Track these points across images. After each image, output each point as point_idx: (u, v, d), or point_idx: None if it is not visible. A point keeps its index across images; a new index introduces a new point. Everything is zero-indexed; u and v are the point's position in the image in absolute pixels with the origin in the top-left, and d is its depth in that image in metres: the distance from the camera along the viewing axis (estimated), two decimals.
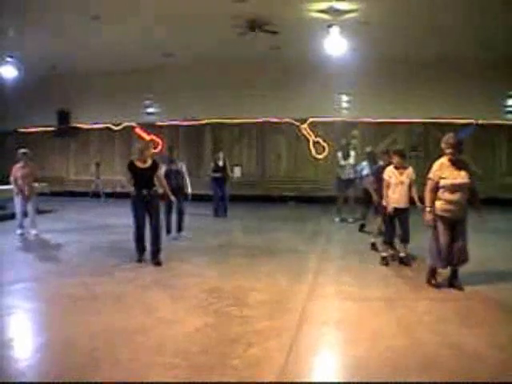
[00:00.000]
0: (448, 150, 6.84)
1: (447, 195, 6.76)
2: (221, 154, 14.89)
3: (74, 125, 21.28)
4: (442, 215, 6.81)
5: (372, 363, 4.63)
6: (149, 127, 20.43)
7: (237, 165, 19.00)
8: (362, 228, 11.87)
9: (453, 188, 6.72)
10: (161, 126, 20.26)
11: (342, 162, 13.45)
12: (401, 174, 8.40)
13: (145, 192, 8.45)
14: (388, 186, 8.42)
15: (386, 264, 8.52)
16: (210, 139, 19.82)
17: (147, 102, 20.46)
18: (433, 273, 7.19)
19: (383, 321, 5.82)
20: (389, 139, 17.54)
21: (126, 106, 20.09)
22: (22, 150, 11.52)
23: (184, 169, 11.21)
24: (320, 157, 18.95)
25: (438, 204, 6.83)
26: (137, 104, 20.32)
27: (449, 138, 6.85)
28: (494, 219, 11.67)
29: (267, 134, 19.41)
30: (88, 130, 21.25)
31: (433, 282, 7.17)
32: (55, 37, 14.30)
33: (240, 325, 5.64)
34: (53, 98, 20.32)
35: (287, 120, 19.05)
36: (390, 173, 8.47)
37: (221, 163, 14.71)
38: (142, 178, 8.49)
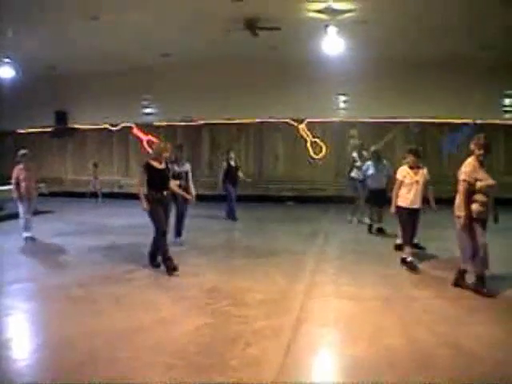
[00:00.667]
0: (478, 151, 6.72)
1: (482, 196, 6.65)
2: (232, 154, 14.35)
3: (72, 125, 21.26)
4: (478, 217, 6.68)
5: (370, 363, 4.65)
6: (146, 128, 20.44)
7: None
8: (380, 231, 11.67)
9: (487, 190, 6.64)
10: (158, 127, 20.25)
11: (358, 163, 13.07)
12: (415, 173, 8.29)
13: (165, 193, 8.19)
14: (400, 186, 8.31)
15: (414, 268, 8.13)
16: (208, 139, 19.82)
17: (145, 103, 20.46)
18: (462, 275, 7.01)
19: (381, 320, 5.83)
20: (386, 138, 17.56)
21: (124, 106, 20.08)
22: (23, 151, 11.41)
23: (189, 169, 10.81)
24: (318, 157, 18.95)
25: (475, 206, 6.66)
26: (134, 104, 20.31)
27: (479, 138, 6.74)
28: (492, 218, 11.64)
29: (265, 134, 19.40)
30: (86, 130, 21.24)
31: (461, 283, 7.00)
32: (53, 37, 14.30)
33: (238, 325, 5.66)
34: (50, 98, 20.29)
35: (285, 120, 19.05)
36: (404, 172, 8.35)
37: (233, 163, 14.22)
38: (161, 178, 8.20)
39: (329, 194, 18.23)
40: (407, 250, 8.35)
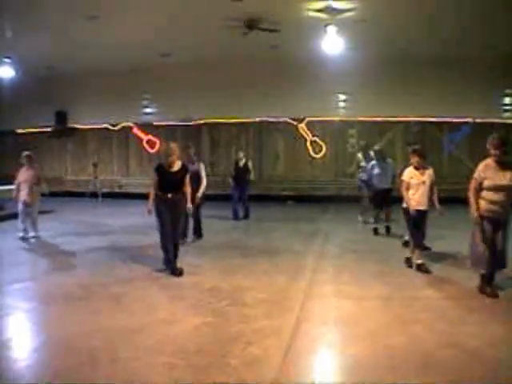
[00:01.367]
0: (493, 151, 6.63)
1: (490, 195, 6.59)
2: (241, 154, 14.48)
3: (72, 125, 21.26)
4: (486, 215, 6.63)
5: (370, 362, 4.65)
6: (146, 127, 20.45)
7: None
8: (388, 231, 11.64)
9: (495, 189, 6.56)
10: (158, 126, 20.25)
11: (363, 163, 13.03)
12: (421, 174, 8.17)
13: (169, 195, 8.05)
14: (407, 188, 8.17)
15: (426, 271, 7.97)
16: (208, 139, 19.82)
17: (145, 102, 20.46)
18: (488, 279, 6.72)
19: (381, 319, 5.83)
20: (386, 138, 17.57)
21: (124, 106, 20.11)
22: (26, 153, 11.41)
23: (200, 169, 10.74)
24: (317, 156, 18.95)
25: (482, 203, 6.65)
26: (134, 104, 20.32)
27: (493, 138, 6.62)
28: None
29: (265, 133, 19.40)
30: (86, 130, 21.24)
31: (487, 290, 6.67)
32: (53, 37, 14.30)
33: (239, 324, 5.66)
34: (50, 98, 20.29)
35: (285, 119, 19.05)
36: (411, 173, 8.22)
37: (241, 164, 14.30)
38: (169, 181, 8.10)
39: (329, 194, 18.23)
40: (417, 253, 8.21)
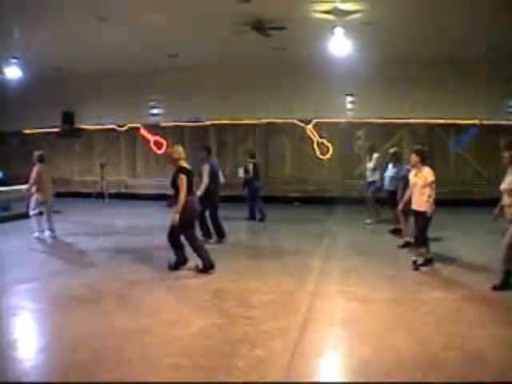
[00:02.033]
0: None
1: (505, 199, 6.92)
2: (250, 160, 14.59)
3: (79, 126, 21.29)
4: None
5: (376, 364, 4.64)
6: (153, 128, 20.47)
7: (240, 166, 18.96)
8: (394, 232, 11.53)
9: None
10: (165, 127, 20.28)
11: (371, 164, 13.05)
12: (416, 174, 8.28)
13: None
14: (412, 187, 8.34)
15: (416, 268, 8.22)
16: (215, 140, 19.81)
17: (152, 103, 20.47)
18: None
19: (388, 321, 5.82)
20: (393, 140, 17.53)
21: (131, 106, 20.11)
22: (38, 152, 11.44)
23: (203, 171, 10.82)
24: (324, 157, 18.92)
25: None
26: (141, 105, 20.31)
27: None
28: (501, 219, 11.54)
29: (272, 134, 19.37)
30: (93, 131, 21.27)
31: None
32: (60, 38, 14.31)
33: (245, 325, 5.66)
34: (57, 99, 20.30)
35: (292, 121, 19.03)
36: (411, 174, 8.44)
37: (250, 166, 14.41)
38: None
39: (336, 195, 18.18)
40: (418, 250, 8.37)
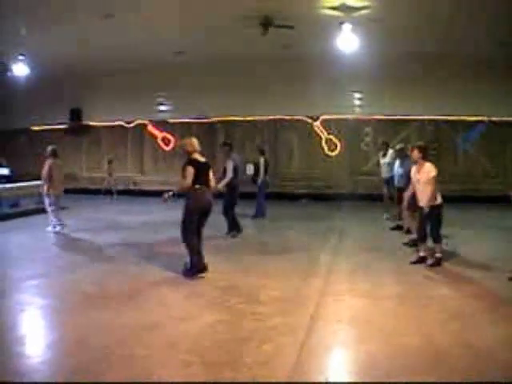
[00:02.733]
0: None
1: None
2: (260, 156, 14.63)
3: (87, 122, 21.35)
4: None
5: (384, 361, 4.63)
6: (161, 124, 20.49)
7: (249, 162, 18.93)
8: (396, 229, 11.62)
9: None
10: (173, 124, 20.29)
11: (382, 160, 13.07)
12: (418, 171, 8.26)
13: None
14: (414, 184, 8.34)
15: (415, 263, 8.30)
16: (222, 137, 19.79)
17: (159, 100, 20.50)
18: None
19: (396, 318, 5.81)
20: (400, 136, 17.47)
21: (139, 103, 20.16)
22: (51, 147, 11.52)
23: (226, 166, 11.09)
24: (332, 154, 18.89)
25: None
26: (149, 102, 20.37)
27: None
28: (509, 216, 11.61)
29: (279, 131, 19.39)
30: (100, 127, 21.33)
31: None
32: (68, 35, 14.34)
33: (253, 322, 5.66)
34: (65, 96, 20.40)
35: (299, 117, 19.01)
36: (413, 170, 8.41)
37: (261, 160, 14.46)
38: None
39: (343, 192, 18.16)
40: (422, 247, 8.42)
